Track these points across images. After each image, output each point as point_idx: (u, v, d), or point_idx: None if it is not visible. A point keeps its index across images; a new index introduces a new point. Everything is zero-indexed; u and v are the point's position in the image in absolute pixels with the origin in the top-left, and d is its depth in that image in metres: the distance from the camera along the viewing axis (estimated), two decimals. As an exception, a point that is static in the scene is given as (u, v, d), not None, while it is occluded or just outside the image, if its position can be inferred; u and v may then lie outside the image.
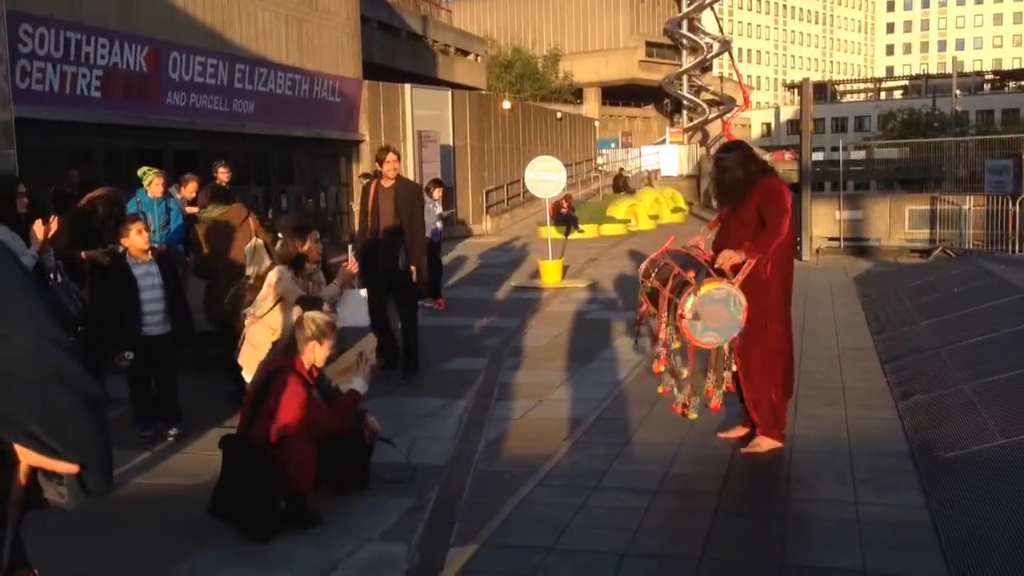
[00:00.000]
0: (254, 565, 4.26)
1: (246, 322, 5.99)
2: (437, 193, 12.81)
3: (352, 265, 6.38)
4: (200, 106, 17.03)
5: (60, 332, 1.34)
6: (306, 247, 6.00)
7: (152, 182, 8.93)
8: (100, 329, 6.18)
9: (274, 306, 5.81)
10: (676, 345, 5.46)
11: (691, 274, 5.30)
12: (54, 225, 5.90)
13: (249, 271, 6.64)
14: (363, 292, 7.36)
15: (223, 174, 10.21)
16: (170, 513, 4.98)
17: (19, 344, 1.27)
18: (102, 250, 6.83)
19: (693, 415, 5.57)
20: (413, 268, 7.82)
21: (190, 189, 9.93)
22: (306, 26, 20.89)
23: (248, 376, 5.82)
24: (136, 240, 6.14)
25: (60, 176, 11.31)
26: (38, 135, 11.37)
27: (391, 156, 7.93)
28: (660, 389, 5.75)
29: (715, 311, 5.22)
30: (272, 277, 5.91)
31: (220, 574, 4.19)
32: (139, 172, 9.33)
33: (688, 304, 5.19)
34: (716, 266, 5.36)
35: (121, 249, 6.28)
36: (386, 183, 7.90)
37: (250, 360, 5.87)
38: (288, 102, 19.93)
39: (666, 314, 5.42)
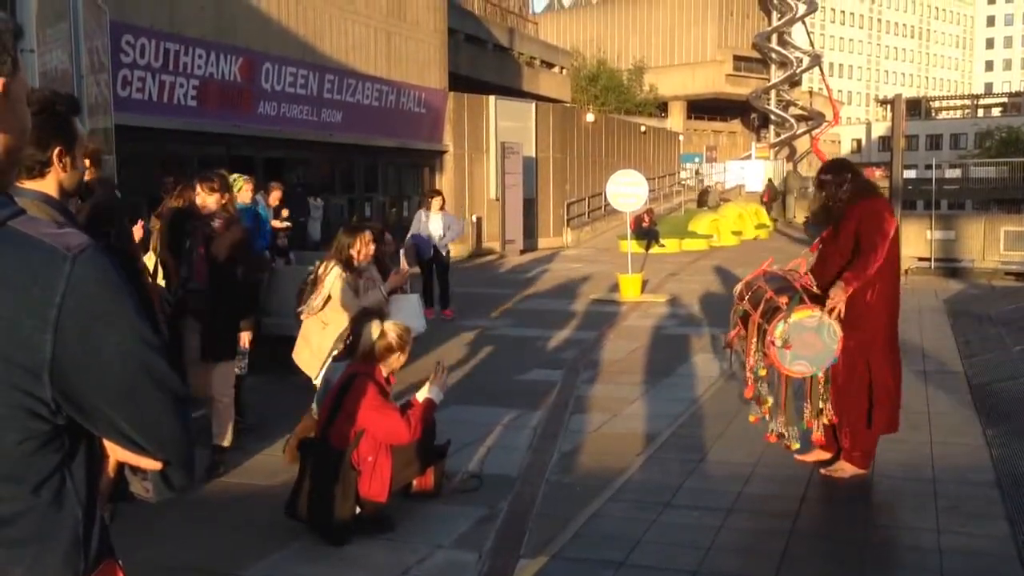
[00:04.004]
0: (328, 567, 4.34)
1: (302, 318, 6.16)
2: (436, 204, 12.18)
3: (404, 270, 6.34)
4: (290, 115, 17.46)
5: (149, 332, 1.40)
6: (356, 247, 6.09)
7: (242, 189, 9.17)
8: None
9: (325, 302, 5.96)
10: (762, 373, 5.26)
11: (783, 299, 5.10)
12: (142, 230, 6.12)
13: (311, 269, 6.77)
14: (414, 296, 6.82)
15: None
16: (249, 512, 5.10)
17: (111, 343, 1.33)
18: None
19: (795, 445, 5.35)
20: None
21: (274, 197, 10.20)
22: (394, 38, 21.25)
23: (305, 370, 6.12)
24: None
25: (156, 182, 11.70)
26: (136, 142, 11.79)
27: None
28: (751, 418, 5.54)
29: (807, 339, 5.00)
30: (322, 271, 6.09)
31: (295, 574, 4.28)
32: (230, 179, 9.59)
33: (778, 331, 4.99)
34: (830, 310, 5.07)
35: None
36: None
37: (301, 352, 6.13)
38: (374, 112, 20.29)
39: (755, 339, 5.24)
